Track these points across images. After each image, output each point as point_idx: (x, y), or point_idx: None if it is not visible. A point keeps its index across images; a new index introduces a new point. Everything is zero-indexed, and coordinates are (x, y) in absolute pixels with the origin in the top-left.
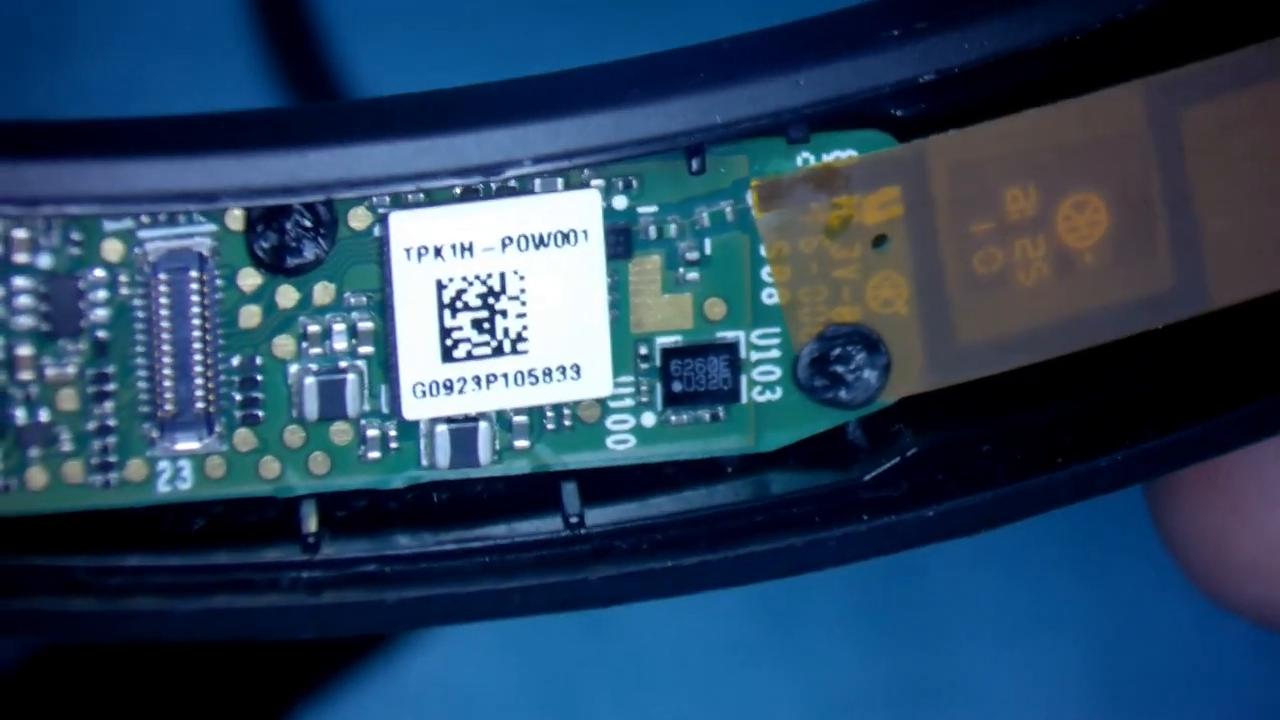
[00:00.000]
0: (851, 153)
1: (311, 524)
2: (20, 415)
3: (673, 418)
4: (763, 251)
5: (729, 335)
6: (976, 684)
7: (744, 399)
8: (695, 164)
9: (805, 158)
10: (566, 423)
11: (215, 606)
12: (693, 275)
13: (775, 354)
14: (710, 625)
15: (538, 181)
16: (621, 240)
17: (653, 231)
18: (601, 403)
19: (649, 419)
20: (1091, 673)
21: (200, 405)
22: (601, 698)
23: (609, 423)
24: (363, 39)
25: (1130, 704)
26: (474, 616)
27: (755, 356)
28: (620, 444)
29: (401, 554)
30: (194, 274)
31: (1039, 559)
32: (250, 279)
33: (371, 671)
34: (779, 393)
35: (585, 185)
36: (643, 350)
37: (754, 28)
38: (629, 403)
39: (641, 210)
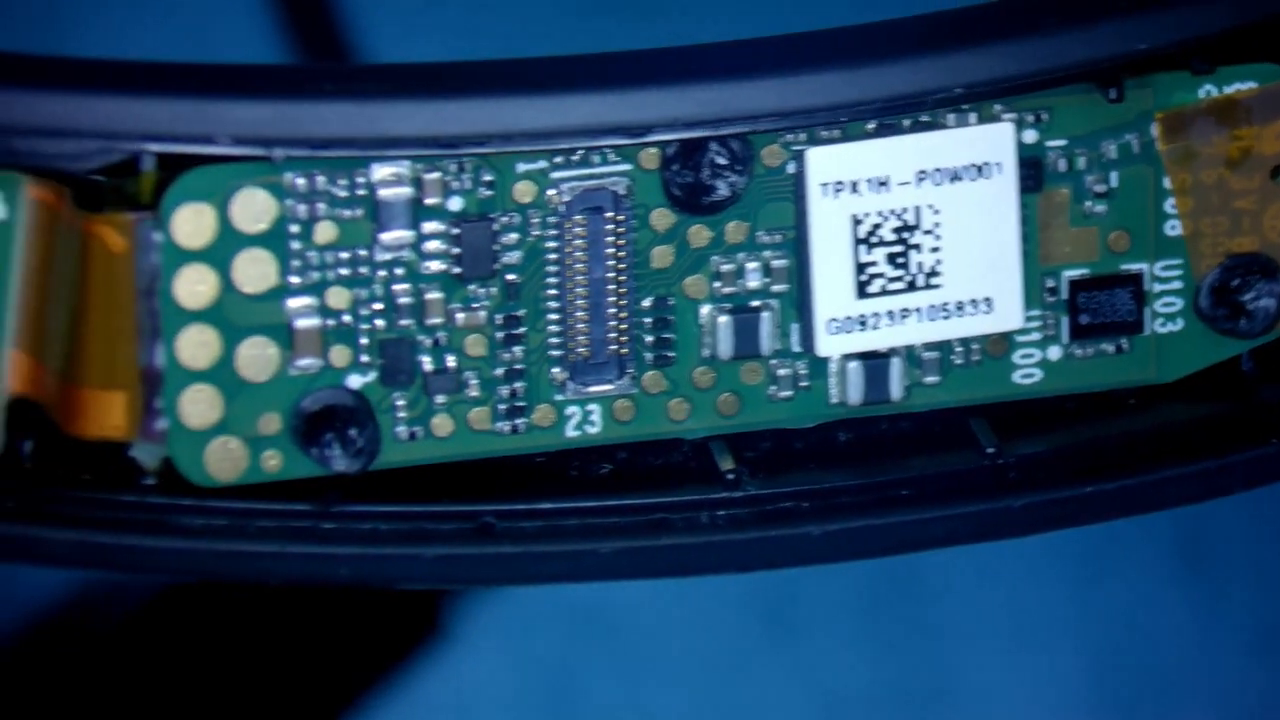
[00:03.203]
0: (1252, 84)
1: (728, 461)
2: (428, 362)
3: (1078, 351)
4: (1166, 183)
5: (1133, 267)
6: (977, 686)
7: (1147, 330)
8: (1113, 93)
9: (1208, 90)
10: (975, 357)
11: (636, 546)
12: (1099, 208)
13: (1177, 285)
14: (711, 626)
15: (951, 116)
16: (1032, 174)
17: (1062, 165)
18: (1008, 337)
19: (1055, 352)
20: (1091, 675)
21: (613, 348)
22: (602, 698)
23: (1016, 357)
24: (376, 6)
25: (1129, 706)
26: (898, 549)
27: (1158, 288)
28: (1027, 378)
29: (819, 489)
30: (609, 214)
31: (1039, 562)
32: (664, 218)
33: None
34: (1180, 323)
35: (997, 119)
36: (1050, 283)
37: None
38: (1036, 336)
39: (1050, 144)
